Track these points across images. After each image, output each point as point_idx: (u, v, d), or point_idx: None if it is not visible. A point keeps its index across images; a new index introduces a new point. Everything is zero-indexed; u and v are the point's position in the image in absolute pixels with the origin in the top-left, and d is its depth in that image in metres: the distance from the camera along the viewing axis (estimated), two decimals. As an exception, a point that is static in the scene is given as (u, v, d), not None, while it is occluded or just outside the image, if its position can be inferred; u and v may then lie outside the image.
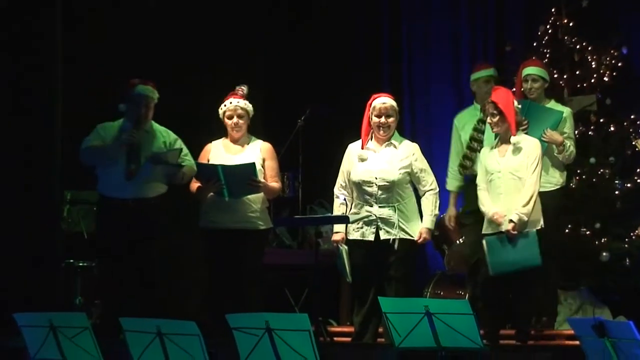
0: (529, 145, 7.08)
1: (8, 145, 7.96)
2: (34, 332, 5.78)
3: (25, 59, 8.05)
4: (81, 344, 5.65)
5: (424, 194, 7.19)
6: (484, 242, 7.03)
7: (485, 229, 7.11)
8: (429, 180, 7.19)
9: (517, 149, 7.06)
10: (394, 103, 7.22)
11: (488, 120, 7.11)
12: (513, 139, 7.06)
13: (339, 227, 7.21)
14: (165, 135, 7.41)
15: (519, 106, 7.16)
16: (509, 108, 7.01)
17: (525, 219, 6.93)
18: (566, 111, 7.62)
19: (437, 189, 7.22)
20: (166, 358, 5.34)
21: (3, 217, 7.89)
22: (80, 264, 8.29)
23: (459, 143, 7.84)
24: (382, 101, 7.17)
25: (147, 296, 7.23)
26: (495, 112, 7.03)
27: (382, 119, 7.16)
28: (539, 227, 7.01)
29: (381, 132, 7.17)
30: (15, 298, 7.58)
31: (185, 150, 7.44)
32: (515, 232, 6.91)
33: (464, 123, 7.84)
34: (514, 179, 7.03)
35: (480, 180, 7.19)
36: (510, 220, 6.91)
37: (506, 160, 7.07)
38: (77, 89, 8.34)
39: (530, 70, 7.61)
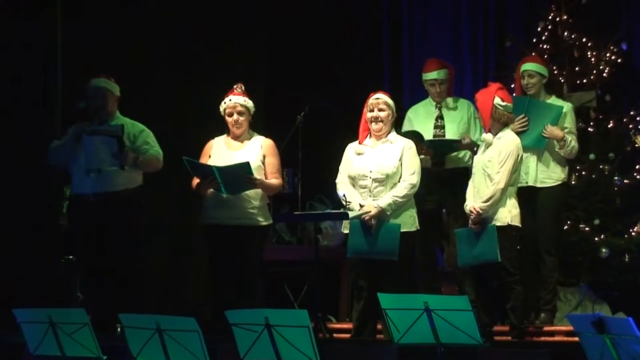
0: (503, 142, 7.13)
1: (7, 142, 7.95)
2: (33, 328, 5.78)
3: (25, 56, 8.04)
4: (80, 340, 5.65)
5: (400, 182, 7.16)
6: (455, 233, 7.21)
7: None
8: (412, 175, 7.14)
9: (494, 144, 7.13)
10: (387, 99, 7.26)
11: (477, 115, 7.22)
12: (483, 136, 7.15)
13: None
14: (130, 128, 7.41)
15: (502, 104, 7.18)
16: (483, 105, 7.13)
17: (483, 214, 7.00)
18: (567, 106, 7.65)
19: (415, 187, 7.17)
20: (165, 354, 5.34)
21: (2, 214, 7.89)
22: (80, 260, 8.29)
23: None
24: (375, 97, 7.26)
25: (119, 294, 7.23)
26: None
27: (375, 113, 7.22)
28: (503, 224, 7.05)
29: (374, 125, 7.22)
30: (15, 294, 7.57)
31: (152, 141, 7.44)
32: (475, 226, 7.01)
33: (417, 115, 7.86)
34: (483, 175, 7.11)
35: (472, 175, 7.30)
36: (468, 215, 7.04)
37: (479, 155, 7.19)
38: (77, 84, 8.32)
39: (527, 66, 7.66)
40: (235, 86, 7.49)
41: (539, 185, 7.56)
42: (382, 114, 7.22)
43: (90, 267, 7.34)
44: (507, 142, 7.15)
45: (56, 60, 8.05)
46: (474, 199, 7.10)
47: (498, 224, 7.03)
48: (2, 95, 8.02)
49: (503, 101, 7.17)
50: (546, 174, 7.56)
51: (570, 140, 7.51)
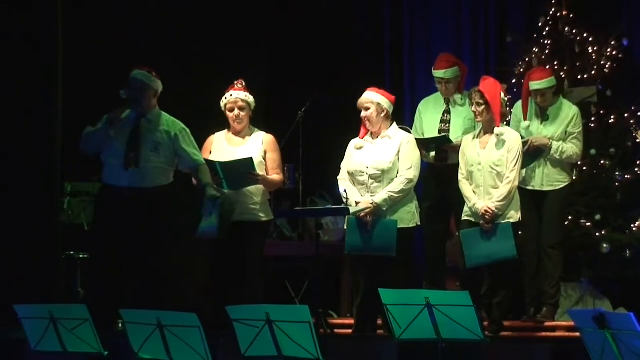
0: (511, 139, 7.13)
1: (8, 138, 7.95)
2: (34, 324, 5.78)
3: (26, 53, 8.04)
4: (82, 336, 5.65)
5: (397, 177, 7.16)
6: (460, 235, 7.13)
7: (466, 215, 7.18)
8: (408, 170, 7.15)
9: (499, 142, 7.11)
10: (372, 96, 7.25)
11: (472, 109, 7.17)
12: (496, 130, 7.10)
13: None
14: (170, 126, 7.29)
15: (506, 99, 7.21)
16: (495, 99, 7.08)
17: (500, 213, 7.01)
18: (573, 110, 7.68)
19: (412, 182, 7.17)
20: (167, 350, 5.34)
21: (3, 209, 7.89)
22: (81, 256, 8.29)
23: (419, 127, 7.86)
24: (362, 97, 7.26)
25: (138, 289, 7.19)
26: (481, 101, 7.09)
27: (362, 113, 7.24)
28: (515, 220, 7.08)
29: (366, 125, 7.24)
30: (16, 290, 7.58)
31: (191, 141, 7.32)
32: (489, 225, 6.98)
33: (427, 108, 7.88)
34: (492, 172, 7.08)
35: (461, 170, 7.25)
36: (483, 214, 6.98)
37: (487, 152, 7.13)
38: (78, 81, 8.33)
39: (536, 85, 7.58)
40: (235, 82, 7.49)
41: (545, 189, 7.58)
42: (367, 113, 7.22)
43: (110, 260, 7.22)
44: (514, 138, 7.15)
45: (57, 59, 8.04)
46: (484, 198, 7.08)
47: (512, 221, 7.04)
48: (1, 94, 8.01)
49: (505, 96, 7.23)
50: (552, 178, 7.59)
51: (559, 147, 7.52)
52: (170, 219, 7.31)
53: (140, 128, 7.25)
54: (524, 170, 7.54)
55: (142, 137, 7.22)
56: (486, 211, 6.99)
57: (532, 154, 7.46)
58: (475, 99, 7.12)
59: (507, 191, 7.03)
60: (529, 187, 7.61)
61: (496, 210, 6.99)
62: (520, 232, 7.52)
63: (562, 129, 7.59)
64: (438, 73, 7.73)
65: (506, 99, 7.25)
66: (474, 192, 7.13)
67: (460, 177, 7.24)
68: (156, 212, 7.18)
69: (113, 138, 7.21)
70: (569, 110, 7.67)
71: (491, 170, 7.09)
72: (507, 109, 7.38)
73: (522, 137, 7.36)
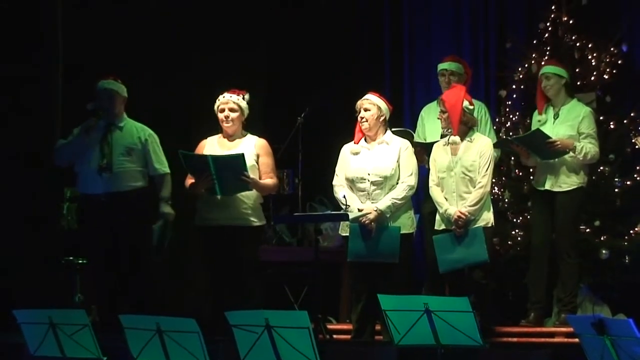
0: (483, 145, 7.17)
1: (8, 143, 7.95)
2: (33, 329, 5.78)
3: (27, 53, 8.05)
4: (81, 341, 5.66)
5: (399, 184, 7.17)
6: (433, 240, 7.18)
7: (439, 225, 7.20)
8: (410, 177, 7.15)
9: (469, 148, 7.13)
10: (374, 98, 7.26)
11: (438, 116, 7.25)
12: (452, 139, 7.15)
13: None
14: (140, 131, 7.47)
15: (471, 107, 7.23)
16: (454, 108, 7.13)
17: (472, 217, 7.04)
18: (585, 110, 7.73)
19: (413, 189, 7.19)
20: (166, 355, 5.34)
21: (3, 215, 7.89)
22: (80, 261, 8.29)
23: (421, 133, 7.94)
24: (363, 98, 7.27)
25: (131, 293, 7.23)
26: (443, 109, 7.16)
27: (361, 114, 7.23)
28: (488, 225, 7.11)
29: (362, 126, 7.21)
30: (15, 295, 7.58)
31: (158, 149, 7.49)
32: (460, 230, 7.01)
33: (429, 113, 7.93)
34: (465, 178, 7.11)
35: (432, 176, 7.28)
36: (456, 219, 7.01)
37: (458, 158, 7.16)
38: (78, 81, 8.34)
39: (544, 69, 7.81)
40: (239, 92, 7.48)
41: (556, 189, 7.59)
42: (367, 114, 7.22)
43: (104, 266, 7.30)
44: (485, 144, 7.21)
45: (57, 59, 8.05)
46: (456, 204, 7.09)
47: (483, 224, 7.06)
48: (1, 94, 8.01)
49: (470, 105, 7.25)
50: (563, 179, 7.60)
51: (582, 147, 7.55)
52: (150, 220, 7.39)
53: (111, 134, 7.37)
54: (544, 170, 7.59)
55: (113, 142, 7.36)
56: (459, 216, 7.02)
57: (553, 152, 7.49)
58: (440, 107, 7.21)
59: (479, 195, 7.07)
60: (541, 188, 7.64)
61: (469, 215, 7.03)
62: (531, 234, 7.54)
63: (574, 128, 7.61)
64: (442, 65, 7.91)
65: (471, 107, 7.25)
66: (445, 198, 7.16)
67: (430, 183, 7.28)
68: (135, 213, 7.34)
69: (86, 147, 7.30)
70: (580, 110, 7.73)
71: (463, 176, 7.13)
72: (474, 116, 7.36)
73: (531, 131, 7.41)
